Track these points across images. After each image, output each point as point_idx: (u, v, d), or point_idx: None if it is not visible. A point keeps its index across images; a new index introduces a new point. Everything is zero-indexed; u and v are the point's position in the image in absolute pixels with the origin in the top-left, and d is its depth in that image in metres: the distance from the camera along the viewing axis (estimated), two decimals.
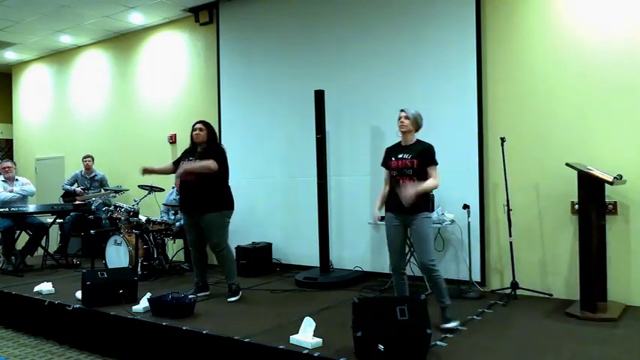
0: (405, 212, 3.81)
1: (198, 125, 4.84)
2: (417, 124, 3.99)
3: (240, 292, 4.87)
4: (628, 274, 4.41)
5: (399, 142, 4.03)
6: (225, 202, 4.81)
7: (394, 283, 4.11)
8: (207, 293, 4.98)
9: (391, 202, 3.96)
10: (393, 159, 3.94)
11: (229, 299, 4.75)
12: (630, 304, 4.35)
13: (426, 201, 3.88)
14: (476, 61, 5.07)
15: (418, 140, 3.98)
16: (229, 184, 4.91)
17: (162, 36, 7.76)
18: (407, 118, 3.97)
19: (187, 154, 4.86)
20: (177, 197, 5.65)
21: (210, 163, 4.63)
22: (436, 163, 3.89)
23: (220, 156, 4.77)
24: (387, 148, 4.09)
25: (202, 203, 4.69)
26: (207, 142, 4.81)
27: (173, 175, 5.05)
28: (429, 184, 3.79)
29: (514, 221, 4.74)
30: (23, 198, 6.81)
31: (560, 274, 4.70)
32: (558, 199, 4.70)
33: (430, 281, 3.92)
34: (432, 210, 4.06)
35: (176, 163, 4.90)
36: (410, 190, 3.69)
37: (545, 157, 4.77)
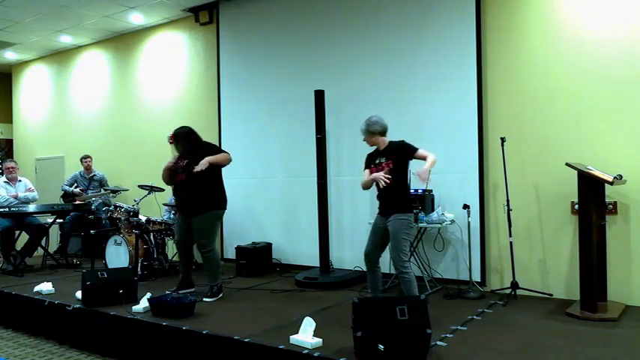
0: (386, 214, 4.07)
1: (169, 139, 4.91)
2: (372, 132, 4.16)
3: (221, 294, 4.88)
4: (628, 274, 4.41)
5: (376, 149, 4.24)
6: (217, 201, 4.83)
7: (367, 274, 4.25)
8: (192, 290, 5.03)
9: (379, 204, 4.18)
10: (372, 165, 4.16)
11: (206, 299, 4.75)
12: (630, 304, 4.35)
13: (401, 203, 4.05)
14: (476, 61, 5.07)
15: (390, 142, 4.16)
16: (223, 182, 4.95)
17: (162, 36, 7.76)
18: (364, 136, 4.20)
19: (179, 158, 4.89)
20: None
21: (223, 154, 4.76)
22: (417, 148, 4.05)
23: (215, 148, 4.85)
24: (368, 155, 4.30)
25: (195, 204, 4.75)
26: (189, 146, 4.82)
27: None
28: (430, 158, 3.94)
29: (514, 221, 4.74)
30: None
31: (560, 274, 4.71)
32: (558, 199, 4.70)
33: (399, 280, 4.04)
34: (410, 211, 4.11)
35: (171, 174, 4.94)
36: (423, 174, 3.83)
37: (545, 157, 4.77)
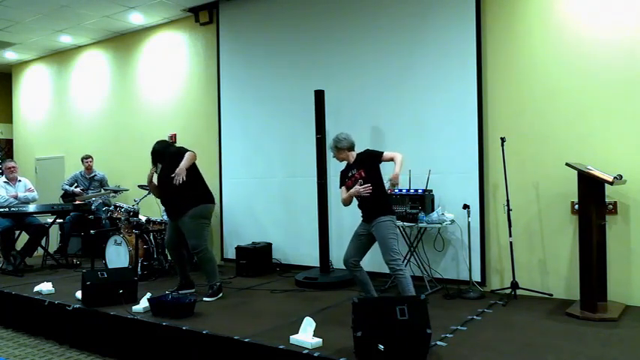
0: (370, 220, 4.19)
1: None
2: (340, 148, 4.33)
3: (221, 293, 4.89)
4: (628, 274, 4.41)
5: (347, 164, 4.39)
6: (198, 199, 4.84)
7: (352, 276, 4.35)
8: (192, 290, 5.05)
9: (361, 213, 4.30)
10: (347, 180, 4.30)
11: (206, 298, 4.76)
12: (630, 304, 4.35)
13: (382, 206, 4.17)
14: (476, 62, 5.07)
15: (357, 154, 4.35)
16: (203, 179, 5.00)
17: (162, 36, 7.76)
18: (333, 153, 4.38)
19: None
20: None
21: (188, 155, 4.73)
22: (382, 152, 4.23)
23: (179, 151, 4.85)
24: (341, 172, 4.45)
25: (176, 206, 4.82)
26: (160, 159, 4.96)
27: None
28: (398, 160, 4.09)
29: (514, 221, 4.74)
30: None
31: (560, 274, 4.71)
32: (558, 199, 4.70)
33: (396, 281, 4.11)
34: (392, 213, 4.22)
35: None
36: (395, 179, 4.00)
37: (545, 157, 4.77)
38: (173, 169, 4.67)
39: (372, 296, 4.21)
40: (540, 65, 4.80)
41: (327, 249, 5.68)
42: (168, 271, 6.07)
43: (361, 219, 4.31)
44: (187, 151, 4.83)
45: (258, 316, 4.21)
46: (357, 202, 4.28)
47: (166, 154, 4.98)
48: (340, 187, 4.38)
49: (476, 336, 3.60)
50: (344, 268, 5.76)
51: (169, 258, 6.43)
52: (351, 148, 4.35)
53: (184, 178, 4.62)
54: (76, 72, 9.02)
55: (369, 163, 4.22)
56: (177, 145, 6.65)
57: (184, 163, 4.67)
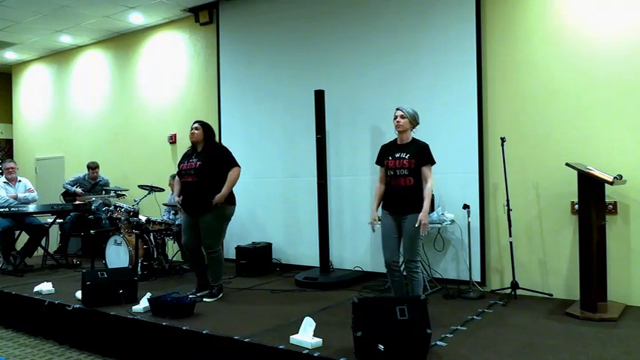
0: (400, 211, 3.92)
1: (194, 125, 4.87)
2: (414, 121, 4.03)
3: (221, 295, 4.86)
4: (628, 274, 4.41)
5: (395, 140, 4.08)
6: (226, 200, 4.79)
7: (390, 281, 4.12)
8: (208, 292, 4.99)
9: (388, 201, 4.03)
10: (390, 158, 3.98)
11: (205, 299, 4.74)
12: (630, 304, 4.35)
13: (418, 203, 3.91)
14: (476, 61, 5.07)
15: (414, 139, 4.03)
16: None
17: (162, 36, 7.76)
18: (403, 117, 3.99)
19: (187, 157, 4.87)
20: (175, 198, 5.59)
21: (234, 176, 4.76)
22: (433, 162, 3.96)
23: (230, 157, 4.82)
24: (383, 146, 4.13)
25: (203, 202, 4.69)
26: (205, 142, 4.83)
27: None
28: (427, 192, 3.87)
29: (514, 221, 4.74)
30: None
31: (560, 274, 4.71)
32: (558, 199, 4.70)
33: (407, 280, 3.98)
34: (431, 210, 4.07)
35: (178, 174, 4.92)
36: (422, 220, 3.81)
37: (545, 157, 4.77)
38: (211, 164, 4.70)
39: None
40: (540, 65, 4.80)
41: (327, 249, 5.68)
42: (168, 271, 6.07)
43: (386, 212, 4.02)
44: (234, 164, 4.80)
45: (258, 316, 4.20)
46: (388, 191, 4.03)
47: (214, 145, 4.92)
48: (377, 163, 4.09)
49: (476, 336, 3.60)
50: (343, 268, 5.83)
51: (168, 258, 6.45)
52: (413, 128, 4.05)
53: (187, 175, 4.65)
54: (76, 72, 9.02)
55: (421, 159, 3.92)
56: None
57: (229, 185, 4.70)
